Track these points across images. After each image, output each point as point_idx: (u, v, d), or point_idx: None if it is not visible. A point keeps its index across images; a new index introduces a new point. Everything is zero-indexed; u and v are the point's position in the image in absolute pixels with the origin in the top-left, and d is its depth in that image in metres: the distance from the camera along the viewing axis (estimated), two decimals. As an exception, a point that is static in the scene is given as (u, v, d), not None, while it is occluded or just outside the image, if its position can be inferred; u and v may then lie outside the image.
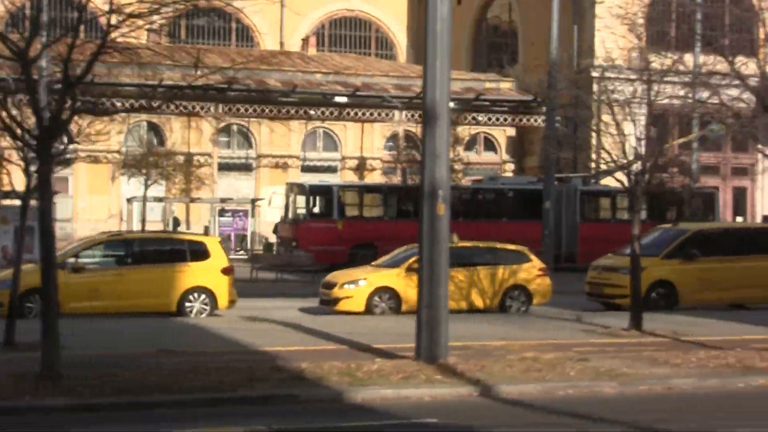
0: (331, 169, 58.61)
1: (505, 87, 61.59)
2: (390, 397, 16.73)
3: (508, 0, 64.36)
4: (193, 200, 48.28)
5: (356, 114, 56.65)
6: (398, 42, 70.00)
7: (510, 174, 59.52)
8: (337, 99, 52.05)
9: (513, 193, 47.01)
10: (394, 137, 59.58)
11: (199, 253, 26.50)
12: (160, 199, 47.72)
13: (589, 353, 20.67)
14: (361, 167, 59.27)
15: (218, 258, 26.55)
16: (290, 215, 44.81)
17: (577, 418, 15.44)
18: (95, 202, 53.21)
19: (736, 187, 59.32)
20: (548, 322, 25.92)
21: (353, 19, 68.52)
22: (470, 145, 61.25)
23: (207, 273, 26.23)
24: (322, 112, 56.33)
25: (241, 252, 45.97)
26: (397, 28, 69.66)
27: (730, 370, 19.34)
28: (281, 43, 66.68)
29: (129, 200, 47.86)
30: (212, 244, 27.06)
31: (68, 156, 53.25)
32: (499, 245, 29.67)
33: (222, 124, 56.51)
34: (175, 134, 55.67)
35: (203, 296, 26.18)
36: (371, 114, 57.28)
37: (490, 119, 59.47)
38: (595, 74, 56.23)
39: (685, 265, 29.72)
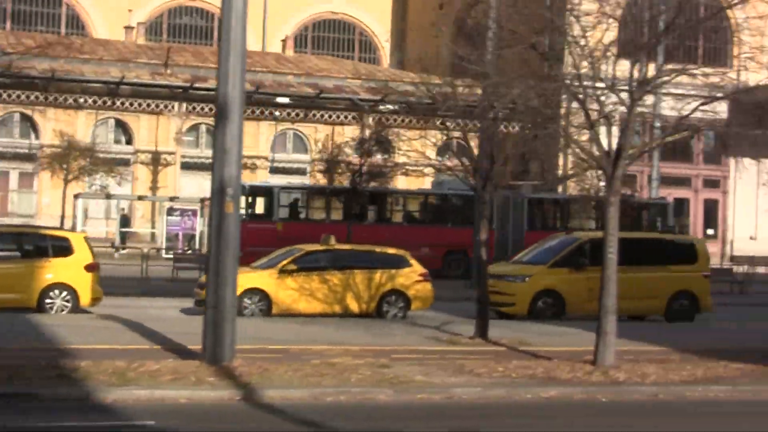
0: (301, 171, 58.45)
1: (480, 92, 60.99)
2: (143, 398, 16.45)
3: (487, 4, 63.73)
4: (140, 198, 48.22)
5: (322, 116, 56.50)
6: (382, 45, 69.71)
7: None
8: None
9: (458, 198, 46.50)
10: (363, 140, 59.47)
11: (62, 249, 26.31)
12: (108, 196, 47.69)
13: (407, 360, 20.34)
14: (331, 169, 58.98)
15: (82, 254, 26.34)
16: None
17: (300, 424, 15.13)
18: (59, 198, 53.03)
19: (708, 200, 58.58)
20: (406, 328, 25.46)
21: (337, 21, 68.31)
22: (443, 151, 60.84)
23: (69, 269, 26.03)
24: (288, 114, 56.20)
25: (189, 252, 45.73)
26: (381, 31, 69.37)
27: (531, 380, 18.94)
28: (263, 44, 66.61)
29: (76, 196, 47.82)
30: (76, 240, 26.85)
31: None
32: (378, 249, 29.31)
33: (189, 124, 56.61)
34: (143, 132, 55.90)
35: (64, 293, 25.97)
36: (338, 116, 57.16)
37: (458, 124, 58.86)
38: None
39: (574, 275, 29.18)
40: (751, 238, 56.87)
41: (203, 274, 37.57)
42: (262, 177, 56.84)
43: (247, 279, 27.53)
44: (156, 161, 55.97)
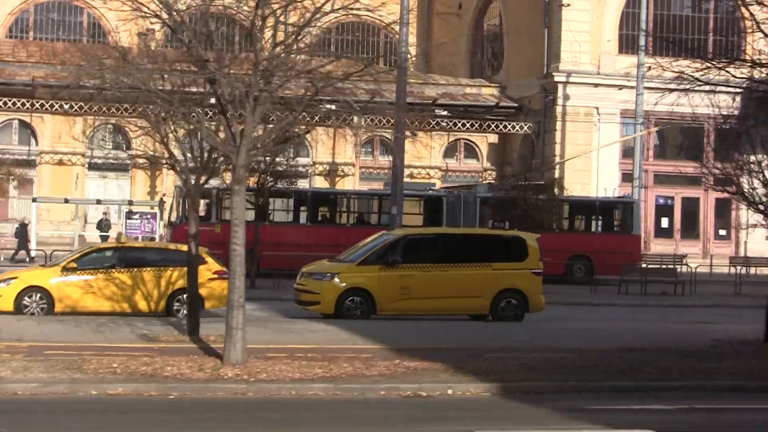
0: (302, 175, 57.91)
1: (486, 92, 59.75)
2: None
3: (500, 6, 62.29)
4: (99, 202, 48.35)
5: (321, 118, 55.79)
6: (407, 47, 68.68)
7: (491, 181, 57.76)
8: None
9: (407, 199, 45.46)
10: (368, 143, 58.89)
11: None
12: (66, 201, 48.03)
13: (54, 357, 19.65)
14: (332, 173, 58.51)
15: None
16: (174, 218, 44.27)
17: None
18: (59, 203, 53.47)
19: (719, 199, 55.83)
20: (144, 326, 24.47)
21: (361, 24, 67.54)
22: (450, 152, 59.72)
23: None
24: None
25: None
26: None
27: (127, 377, 18.14)
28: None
29: (33, 200, 48.34)
30: None
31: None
32: (172, 246, 28.67)
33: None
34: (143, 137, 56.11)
35: None
36: (336, 119, 56.35)
37: (472, 125, 57.78)
38: (559, 79, 54.40)
39: (385, 272, 27.92)
40: (767, 238, 54.01)
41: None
42: (262, 180, 56.42)
43: (29, 276, 27.27)
44: (155, 165, 56.16)
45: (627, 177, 54.87)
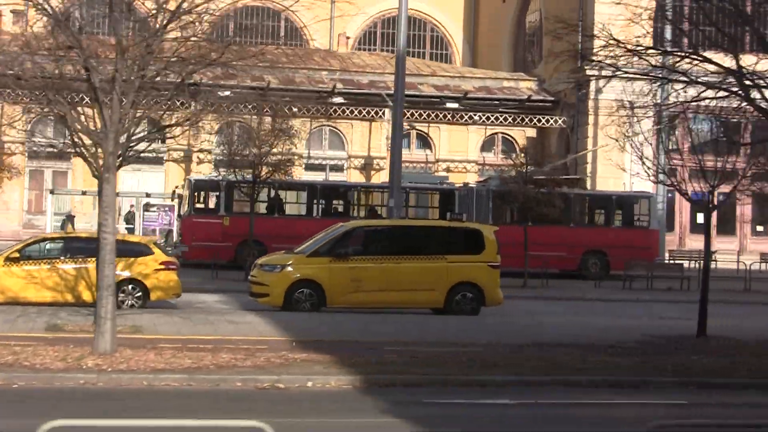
0: (338, 168, 57.74)
1: (524, 86, 58.85)
2: None
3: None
4: (117, 194, 48.25)
5: (352, 112, 55.64)
6: (454, 41, 68.05)
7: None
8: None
9: (419, 192, 45.04)
10: (404, 136, 58.29)
11: None
12: (84, 193, 48.22)
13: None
14: (367, 166, 58.15)
15: None
16: (183, 210, 44.26)
17: None
18: (87, 196, 53.65)
19: (757, 194, 54.19)
20: (67, 316, 24.34)
21: (408, 18, 66.91)
22: (488, 146, 58.92)
23: None
24: (317, 110, 55.43)
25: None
26: (453, 27, 67.79)
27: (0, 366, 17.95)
28: (330, 42, 66.03)
29: (51, 192, 48.69)
30: None
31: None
32: (119, 237, 28.32)
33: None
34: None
35: None
36: (368, 113, 56.19)
37: (506, 119, 57.02)
38: (591, 72, 53.24)
39: (336, 264, 27.44)
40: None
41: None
42: (297, 173, 56.29)
43: (-29, 267, 27.27)
44: (189, 157, 56.34)
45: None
